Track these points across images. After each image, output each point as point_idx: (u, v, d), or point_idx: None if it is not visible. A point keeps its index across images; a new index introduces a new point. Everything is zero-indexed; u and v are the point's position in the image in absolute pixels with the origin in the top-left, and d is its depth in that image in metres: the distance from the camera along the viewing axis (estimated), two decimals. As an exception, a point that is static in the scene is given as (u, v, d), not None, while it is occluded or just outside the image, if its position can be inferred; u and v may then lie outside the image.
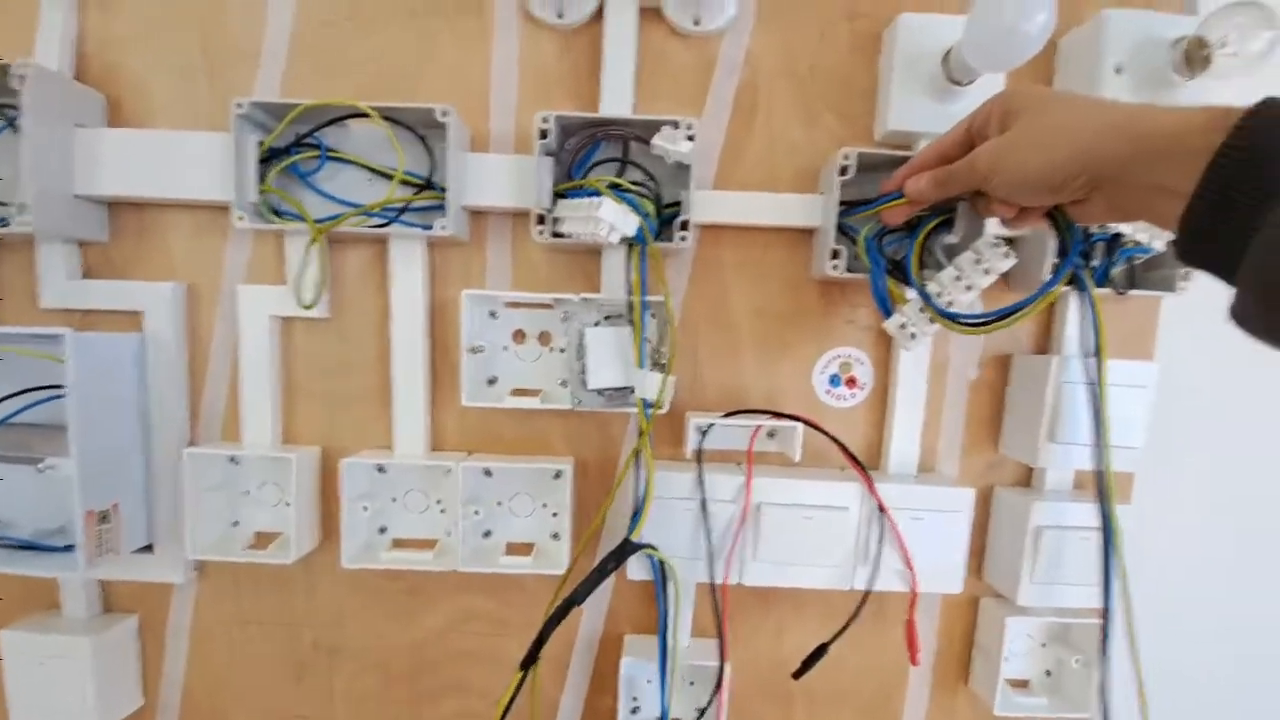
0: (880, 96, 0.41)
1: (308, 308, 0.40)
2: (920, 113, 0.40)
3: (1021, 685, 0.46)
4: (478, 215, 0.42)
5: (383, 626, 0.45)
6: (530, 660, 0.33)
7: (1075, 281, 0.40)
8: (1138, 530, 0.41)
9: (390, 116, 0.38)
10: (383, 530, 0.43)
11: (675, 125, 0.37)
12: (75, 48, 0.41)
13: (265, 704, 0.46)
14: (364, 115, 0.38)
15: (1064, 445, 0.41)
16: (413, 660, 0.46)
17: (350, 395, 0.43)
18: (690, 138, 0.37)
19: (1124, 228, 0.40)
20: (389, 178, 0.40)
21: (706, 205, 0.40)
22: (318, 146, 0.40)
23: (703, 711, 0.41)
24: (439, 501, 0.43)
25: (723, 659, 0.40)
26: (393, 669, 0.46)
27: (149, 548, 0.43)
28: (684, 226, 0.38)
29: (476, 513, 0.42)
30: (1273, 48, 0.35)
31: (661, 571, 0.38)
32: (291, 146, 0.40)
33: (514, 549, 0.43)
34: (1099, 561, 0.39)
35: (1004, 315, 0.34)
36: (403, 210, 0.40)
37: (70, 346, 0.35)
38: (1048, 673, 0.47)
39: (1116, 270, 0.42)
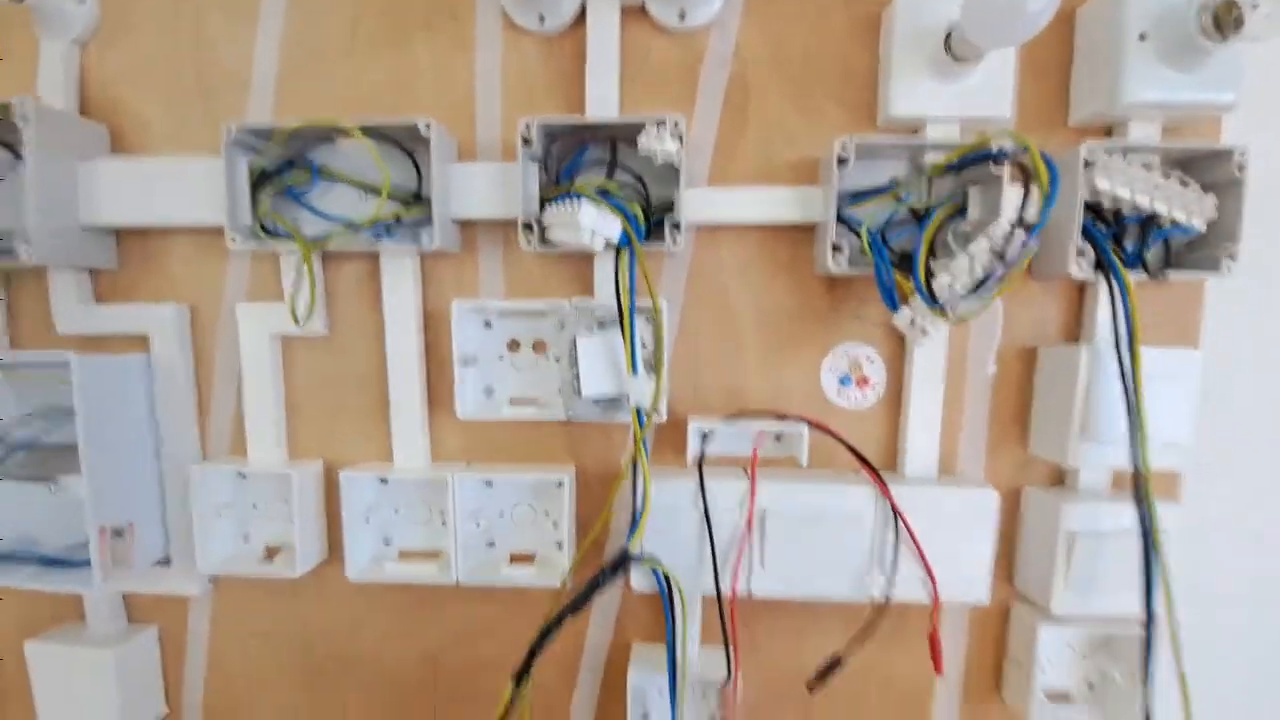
0: (881, 80, 0.39)
1: (300, 324, 0.40)
2: (925, 95, 0.38)
3: (1061, 697, 0.43)
4: (468, 225, 0.42)
5: (393, 637, 0.45)
6: (523, 673, 0.32)
7: (1103, 266, 0.37)
8: (1186, 532, 0.38)
9: (374, 133, 0.38)
10: (388, 542, 0.43)
11: (660, 124, 0.35)
12: (78, 83, 0.42)
13: (282, 714, 0.47)
14: (343, 132, 0.38)
15: (1100, 445, 0.38)
16: (425, 671, 0.46)
17: (350, 409, 0.44)
18: (678, 136, 0.36)
19: (1161, 206, 0.37)
20: (380, 193, 0.40)
21: (701, 204, 0.39)
22: (309, 166, 0.40)
23: (713, 727, 0.39)
24: (441, 513, 0.43)
25: (733, 672, 0.38)
26: (405, 680, 0.46)
27: (167, 561, 0.44)
28: (676, 228, 0.37)
29: (478, 524, 0.42)
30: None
31: (666, 583, 0.37)
32: (284, 168, 0.41)
33: (517, 558, 0.43)
34: (1140, 568, 0.36)
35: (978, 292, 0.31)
36: (391, 225, 0.40)
37: (76, 371, 0.36)
38: (1090, 685, 0.43)
39: (1151, 252, 0.39)
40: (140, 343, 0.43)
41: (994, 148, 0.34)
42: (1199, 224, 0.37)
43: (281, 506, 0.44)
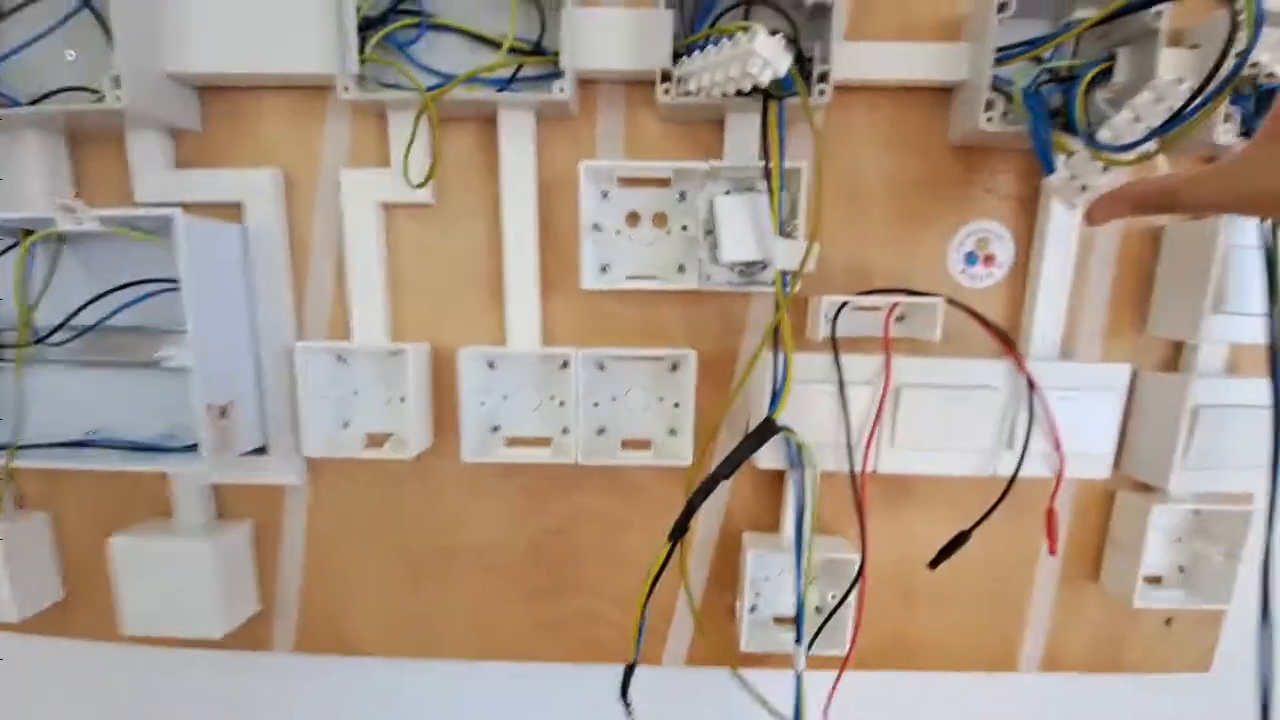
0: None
1: (419, 187, 0.38)
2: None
3: (1154, 581, 0.45)
4: (585, 84, 0.39)
5: (499, 526, 0.45)
6: (680, 531, 0.32)
7: (1244, 131, 0.36)
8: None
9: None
10: (495, 429, 0.42)
11: (818, -42, 0.33)
12: None
13: (384, 607, 0.46)
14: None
15: (1230, 316, 0.38)
16: (530, 560, 0.45)
17: (457, 286, 0.41)
18: (833, -27, 0.33)
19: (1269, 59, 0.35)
20: (494, 44, 0.37)
21: (838, 59, 0.36)
22: (416, 13, 0.37)
23: (839, 603, 0.39)
24: (552, 397, 0.42)
25: (864, 548, 0.38)
26: (510, 569, 0.45)
27: (262, 449, 0.42)
28: (823, 79, 0.35)
29: (596, 404, 0.41)
30: None
31: (798, 456, 0.37)
32: (388, 14, 0.37)
33: (629, 445, 0.42)
34: (1270, 443, 0.37)
35: (1163, 132, 0.30)
36: (513, 78, 0.37)
37: (181, 232, 0.34)
38: (1180, 569, 0.45)
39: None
40: (228, 213, 0.40)
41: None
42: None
43: (384, 390, 0.42)
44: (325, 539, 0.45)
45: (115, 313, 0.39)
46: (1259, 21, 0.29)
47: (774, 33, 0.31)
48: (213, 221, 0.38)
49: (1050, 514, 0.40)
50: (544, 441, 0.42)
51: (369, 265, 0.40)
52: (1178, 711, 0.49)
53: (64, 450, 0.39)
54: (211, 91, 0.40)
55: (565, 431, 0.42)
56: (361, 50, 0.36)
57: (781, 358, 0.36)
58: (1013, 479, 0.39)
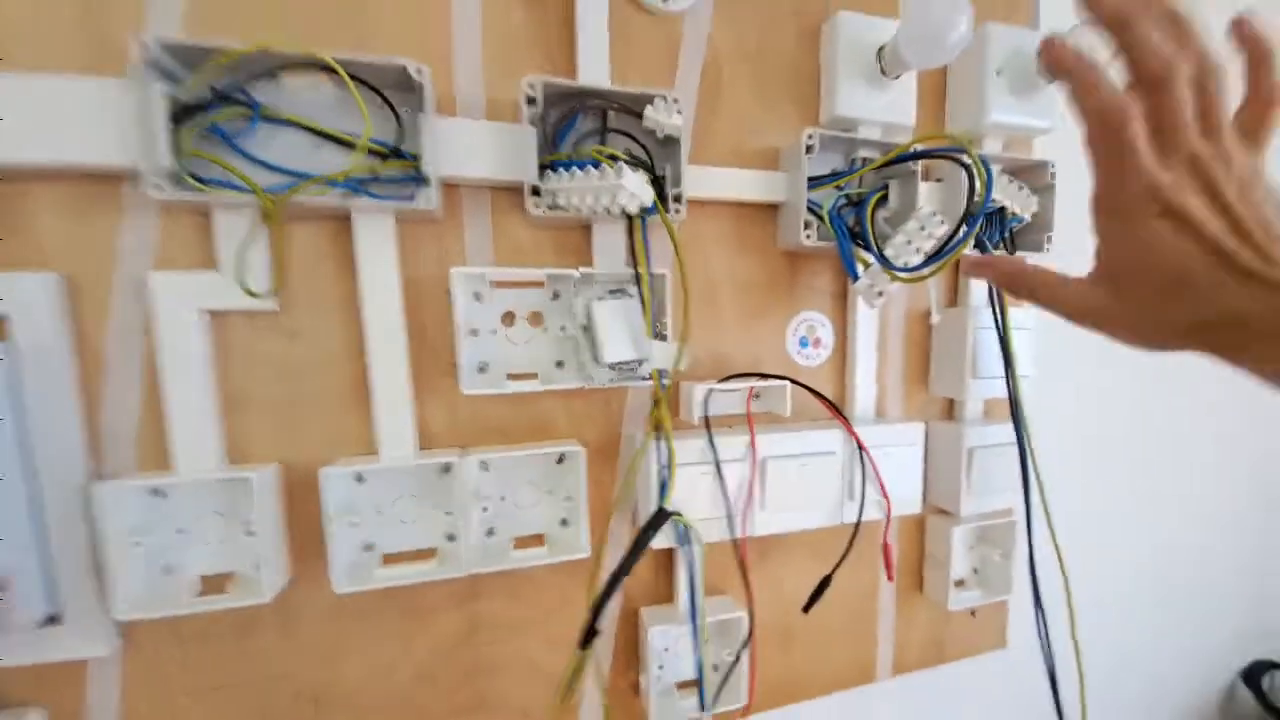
0: (824, 84, 0.46)
1: (256, 296, 0.34)
2: (860, 100, 0.45)
3: (959, 584, 0.55)
4: (448, 187, 0.39)
5: (380, 657, 0.40)
6: (590, 636, 0.32)
7: (978, 245, 0.48)
8: (1035, 440, 0.51)
9: (351, 71, 0.33)
10: (369, 548, 0.38)
11: (670, 99, 0.37)
12: None
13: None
14: (310, 66, 0.33)
15: (981, 379, 0.50)
16: (422, 689, 0.41)
17: (308, 397, 0.37)
18: (679, 112, 0.38)
19: (1004, 200, 0.49)
20: (340, 142, 0.35)
21: (685, 181, 0.41)
22: (248, 104, 0.34)
23: (736, 660, 0.42)
24: (434, 505, 0.39)
25: (751, 607, 0.42)
26: (395, 703, 0.41)
27: (53, 619, 0.33)
28: (678, 199, 0.39)
29: (485, 509, 0.39)
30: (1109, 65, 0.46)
31: (686, 535, 0.39)
32: (209, 103, 0.33)
33: (521, 543, 0.41)
34: (1019, 469, 0.49)
35: (932, 263, 0.41)
36: (368, 181, 0.35)
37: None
38: (975, 570, 0.56)
39: (1004, 238, 0.52)
40: (-19, 329, 0.32)
41: (942, 146, 0.42)
42: (1028, 216, 0.51)
43: (219, 524, 0.36)
44: (148, 716, 0.36)
45: None
46: (989, 185, 0.39)
47: (635, 166, 0.34)
48: (-41, 346, 0.30)
49: (886, 547, 0.48)
50: (428, 554, 0.39)
51: (193, 381, 0.34)
52: (990, 683, 0.61)
53: None
54: (-46, 179, 0.32)
55: (451, 538, 0.39)
56: (177, 141, 0.32)
57: (664, 450, 0.38)
58: (857, 524, 0.46)
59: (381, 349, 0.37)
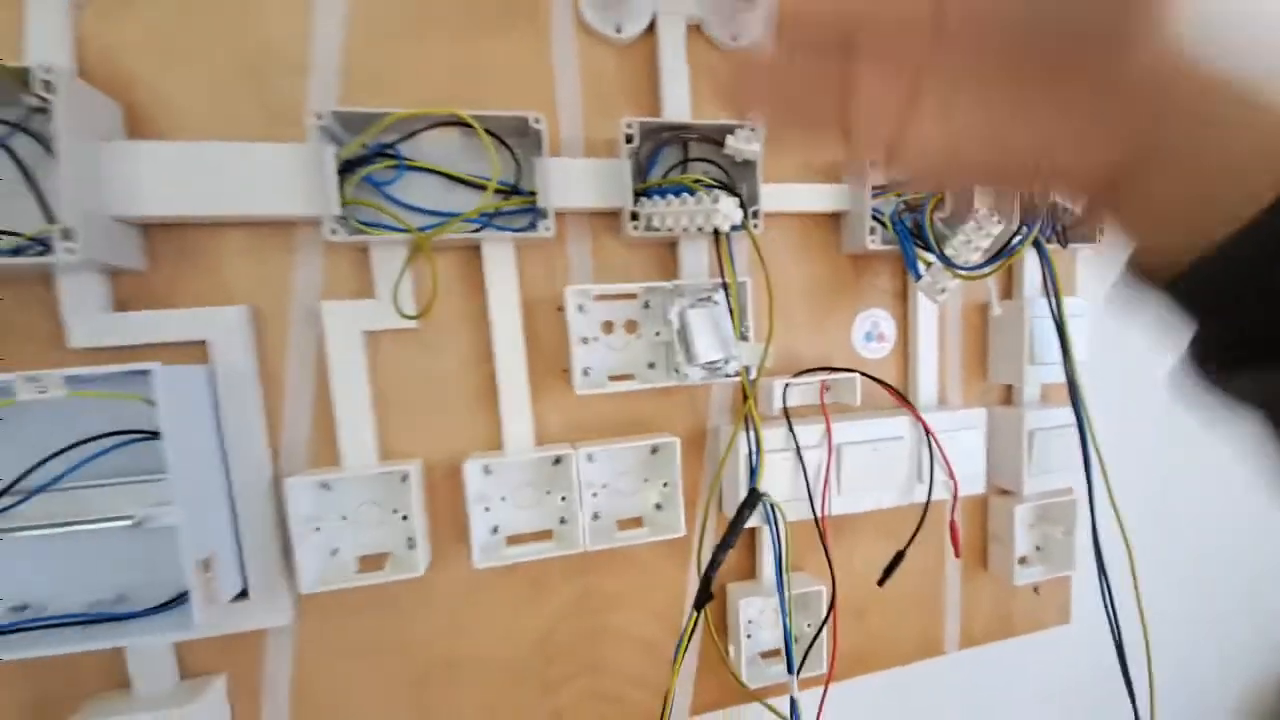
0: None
1: (410, 318, 0.40)
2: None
3: (1022, 561, 0.58)
4: (557, 216, 0.44)
5: (503, 624, 0.46)
6: (703, 600, 0.36)
7: (1036, 243, 0.52)
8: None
9: (484, 125, 0.39)
10: (495, 530, 0.44)
11: (745, 128, 0.42)
12: (74, 54, 0.37)
13: (385, 733, 0.45)
14: (449, 124, 0.39)
15: (1038, 365, 0.53)
16: (537, 651, 0.47)
17: (443, 402, 0.43)
18: (757, 139, 0.43)
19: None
20: (467, 184, 0.41)
21: (766, 196, 0.46)
22: (395, 156, 0.40)
23: (819, 630, 0.47)
24: (549, 492, 0.45)
25: (833, 581, 0.46)
26: (518, 664, 0.46)
27: (243, 594, 0.40)
28: (755, 215, 0.44)
29: (594, 494, 0.45)
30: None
31: (773, 513, 0.44)
32: (365, 157, 0.40)
33: (623, 525, 0.46)
34: (1079, 449, 0.51)
35: (993, 262, 0.44)
36: (494, 215, 0.41)
37: (160, 382, 0.33)
38: (1037, 547, 0.59)
39: (1055, 231, 0.55)
40: (180, 353, 0.38)
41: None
42: (1078, 209, 0.54)
43: (376, 512, 0.42)
44: (314, 679, 0.43)
45: (66, 474, 0.35)
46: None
47: (729, 193, 0.40)
48: (182, 367, 0.37)
49: (953, 525, 0.51)
50: (545, 535, 0.45)
51: (354, 392, 0.41)
52: (1056, 656, 0.63)
53: (16, 636, 0.34)
54: (159, 229, 0.39)
55: (563, 521, 0.45)
56: (342, 192, 0.38)
57: (753, 438, 0.43)
58: (927, 504, 0.49)
59: (506, 358, 0.43)
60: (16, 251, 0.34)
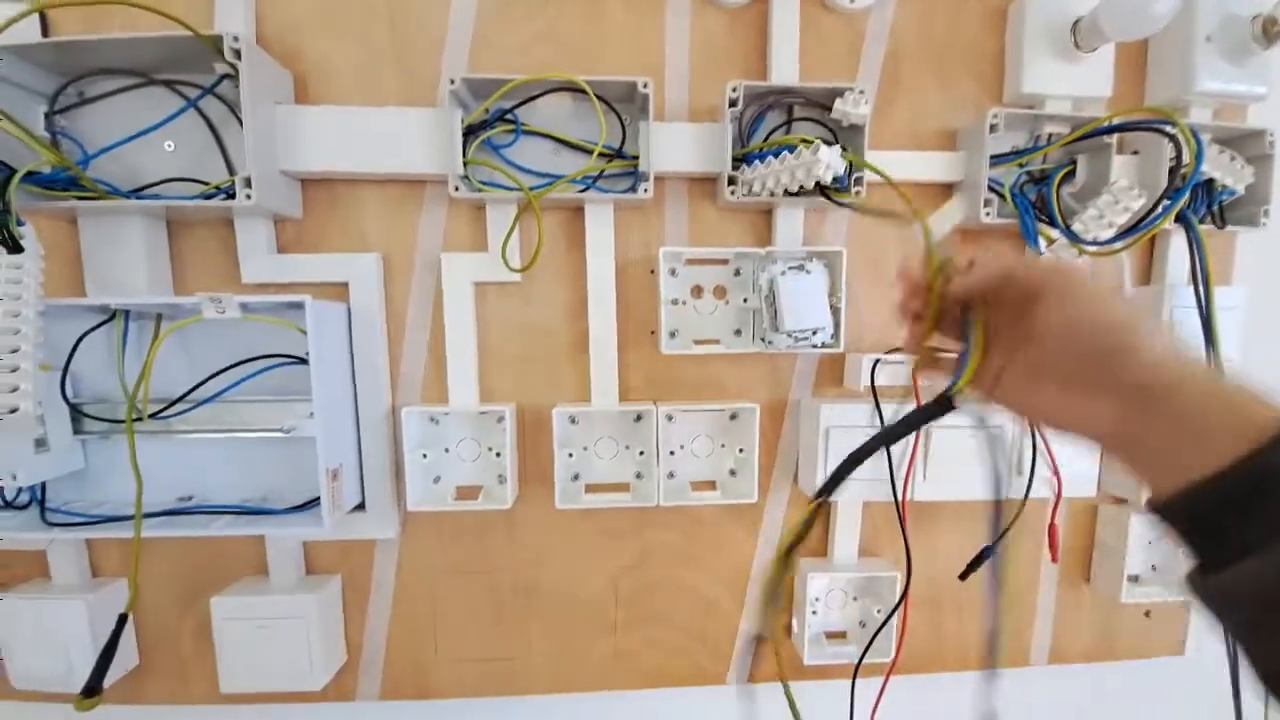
0: (1009, 62, 0.46)
1: (522, 270, 0.43)
2: (1048, 76, 0.45)
3: (1134, 579, 0.53)
4: (656, 180, 0.45)
5: (577, 565, 0.49)
6: (830, 489, 0.30)
7: (1181, 219, 0.46)
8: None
9: (595, 91, 0.41)
10: (575, 477, 0.47)
11: (854, 91, 0.41)
12: (254, 28, 0.43)
13: (466, 648, 0.49)
14: (562, 89, 0.41)
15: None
16: (605, 594, 0.50)
17: (538, 352, 0.46)
18: (866, 102, 0.41)
19: (1214, 171, 0.46)
20: (575, 148, 0.43)
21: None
22: (512, 121, 0.43)
23: (888, 615, 0.46)
24: (629, 447, 0.47)
25: (909, 568, 0.45)
26: (586, 603, 0.49)
27: (360, 507, 0.45)
28: (858, 181, 0.43)
29: (672, 453, 0.46)
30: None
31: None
32: (486, 121, 0.43)
33: (696, 486, 0.47)
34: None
35: (1125, 237, 0.40)
36: (598, 177, 0.43)
37: (311, 313, 0.38)
38: (1153, 567, 0.53)
39: (1210, 211, 0.48)
40: (327, 292, 0.44)
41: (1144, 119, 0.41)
42: (1241, 188, 0.47)
43: (473, 447, 0.46)
44: (413, 588, 0.48)
45: (230, 388, 0.42)
46: (1199, 157, 0.38)
47: (829, 143, 0.39)
48: (328, 303, 0.42)
49: (1053, 528, 0.48)
50: (622, 487, 0.47)
51: (463, 337, 0.45)
52: (1162, 692, 0.57)
53: (183, 518, 0.41)
54: (314, 183, 0.44)
55: (639, 476, 0.47)
56: (464, 153, 0.42)
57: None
58: (1024, 499, 0.46)
59: (599, 315, 0.45)
60: (207, 197, 0.40)
